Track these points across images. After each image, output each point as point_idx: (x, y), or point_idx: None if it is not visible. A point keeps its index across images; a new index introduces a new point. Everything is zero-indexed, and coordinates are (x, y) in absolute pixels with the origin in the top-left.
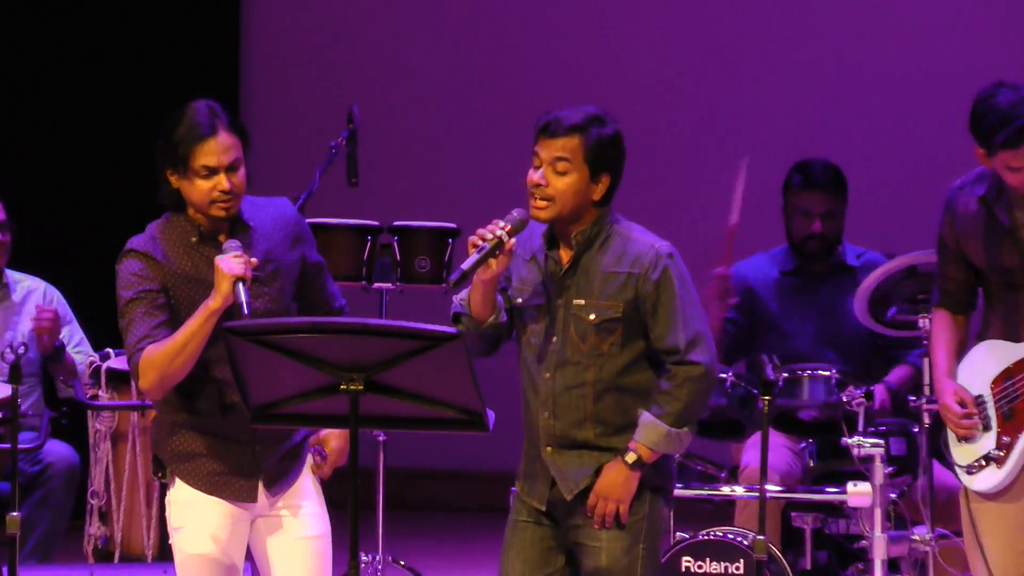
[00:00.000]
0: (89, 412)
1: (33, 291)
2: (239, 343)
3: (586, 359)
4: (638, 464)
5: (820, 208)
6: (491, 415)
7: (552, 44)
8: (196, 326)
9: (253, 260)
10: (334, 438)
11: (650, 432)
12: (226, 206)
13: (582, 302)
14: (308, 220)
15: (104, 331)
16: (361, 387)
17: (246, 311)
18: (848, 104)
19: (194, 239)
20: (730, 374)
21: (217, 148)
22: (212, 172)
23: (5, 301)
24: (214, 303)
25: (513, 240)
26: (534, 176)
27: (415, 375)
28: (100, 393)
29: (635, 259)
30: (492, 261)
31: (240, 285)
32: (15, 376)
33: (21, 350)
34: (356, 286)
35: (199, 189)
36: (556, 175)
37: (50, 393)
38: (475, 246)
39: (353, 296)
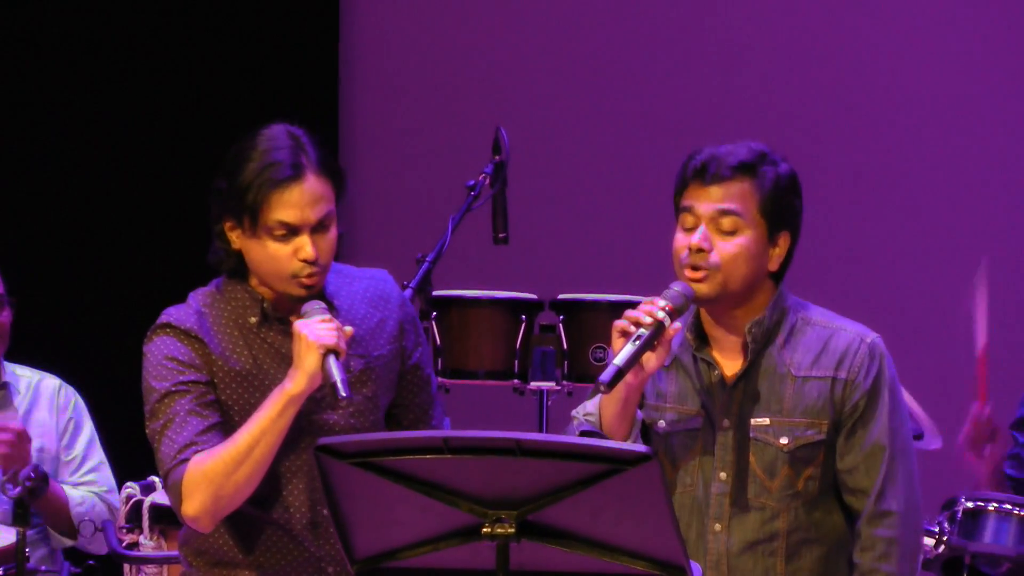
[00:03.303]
0: (127, 567)
1: (43, 391)
2: (338, 468)
3: (776, 502)
4: None
5: None
6: (696, 570)
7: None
8: (267, 421)
9: (348, 329)
10: None
11: None
12: (310, 281)
13: (766, 421)
14: (439, 292)
15: (145, 453)
16: (512, 530)
17: (344, 393)
18: None
19: (253, 319)
20: None
21: (302, 199)
22: (292, 232)
23: (4, 407)
24: (295, 386)
25: (678, 325)
26: (690, 239)
27: (589, 513)
28: (142, 540)
29: (840, 358)
30: (649, 355)
31: (332, 360)
32: (21, 516)
33: (30, 479)
34: (506, 385)
35: (272, 255)
36: (721, 235)
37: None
38: (626, 334)
39: (501, 399)
